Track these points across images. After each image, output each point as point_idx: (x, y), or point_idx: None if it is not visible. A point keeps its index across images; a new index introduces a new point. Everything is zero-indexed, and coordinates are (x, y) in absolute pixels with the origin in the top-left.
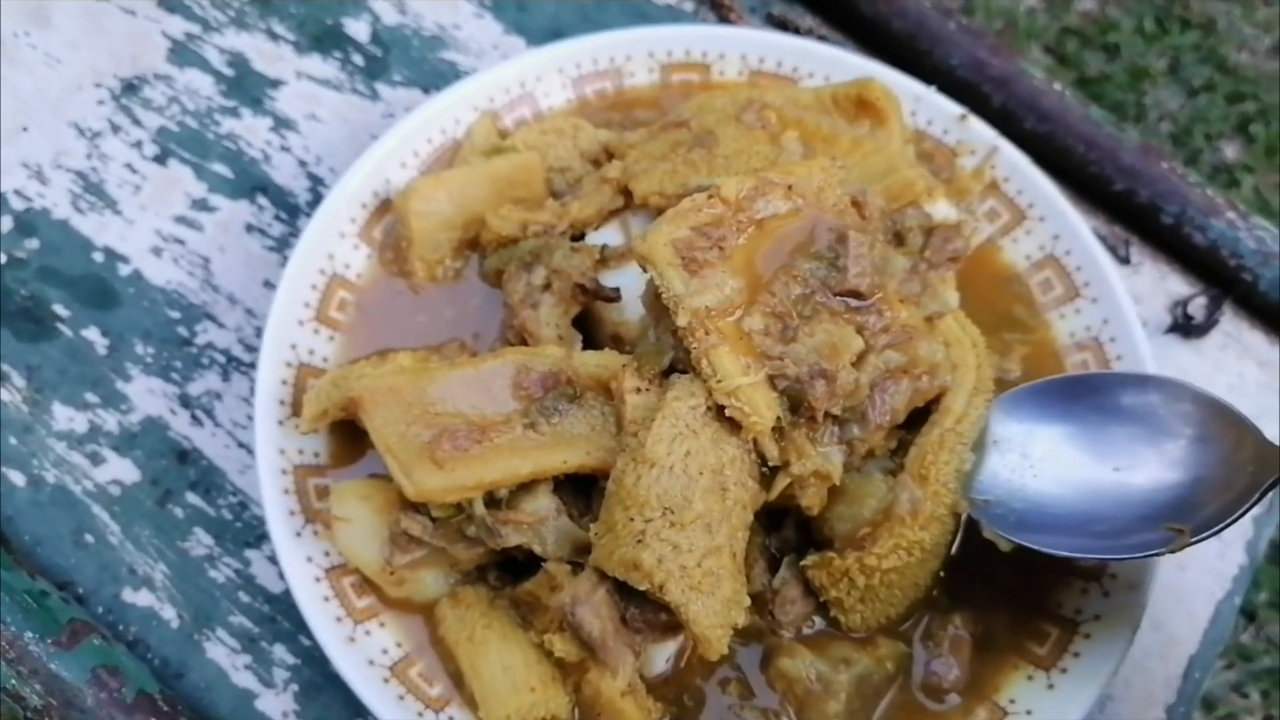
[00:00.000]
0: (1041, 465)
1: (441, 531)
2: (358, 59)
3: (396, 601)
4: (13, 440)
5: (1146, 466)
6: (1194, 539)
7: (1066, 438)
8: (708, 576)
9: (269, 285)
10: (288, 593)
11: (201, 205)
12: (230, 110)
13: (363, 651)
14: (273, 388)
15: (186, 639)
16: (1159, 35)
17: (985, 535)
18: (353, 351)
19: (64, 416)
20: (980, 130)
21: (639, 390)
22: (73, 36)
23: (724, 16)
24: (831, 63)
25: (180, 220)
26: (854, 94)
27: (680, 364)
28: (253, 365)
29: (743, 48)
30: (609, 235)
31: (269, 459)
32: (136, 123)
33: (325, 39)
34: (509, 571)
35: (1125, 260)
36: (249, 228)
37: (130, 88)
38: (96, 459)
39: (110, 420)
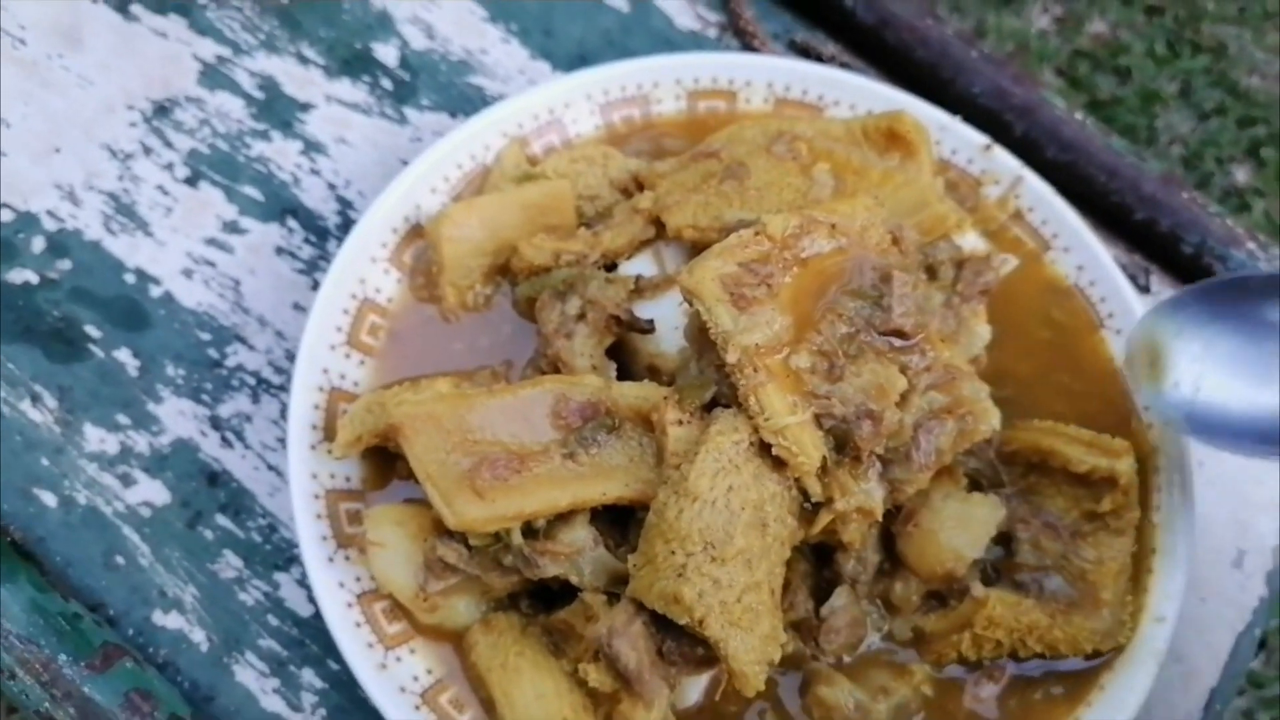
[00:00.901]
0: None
1: (477, 559)
2: (386, 83)
3: (428, 628)
4: (44, 461)
5: None
6: None
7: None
8: (747, 612)
9: (299, 308)
10: (316, 616)
11: (232, 228)
12: (261, 133)
13: (394, 678)
14: (305, 412)
15: (216, 662)
16: (1170, 59)
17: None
18: (384, 376)
19: (95, 438)
20: (1005, 160)
21: (680, 423)
22: (104, 58)
23: (749, 44)
24: (857, 91)
25: (211, 242)
26: (885, 127)
27: (722, 398)
28: (282, 388)
29: (769, 75)
30: (641, 265)
31: (301, 484)
32: (168, 145)
33: (354, 63)
34: (541, 599)
35: (1145, 289)
36: (279, 250)
37: (162, 110)
38: (127, 480)
39: (141, 442)
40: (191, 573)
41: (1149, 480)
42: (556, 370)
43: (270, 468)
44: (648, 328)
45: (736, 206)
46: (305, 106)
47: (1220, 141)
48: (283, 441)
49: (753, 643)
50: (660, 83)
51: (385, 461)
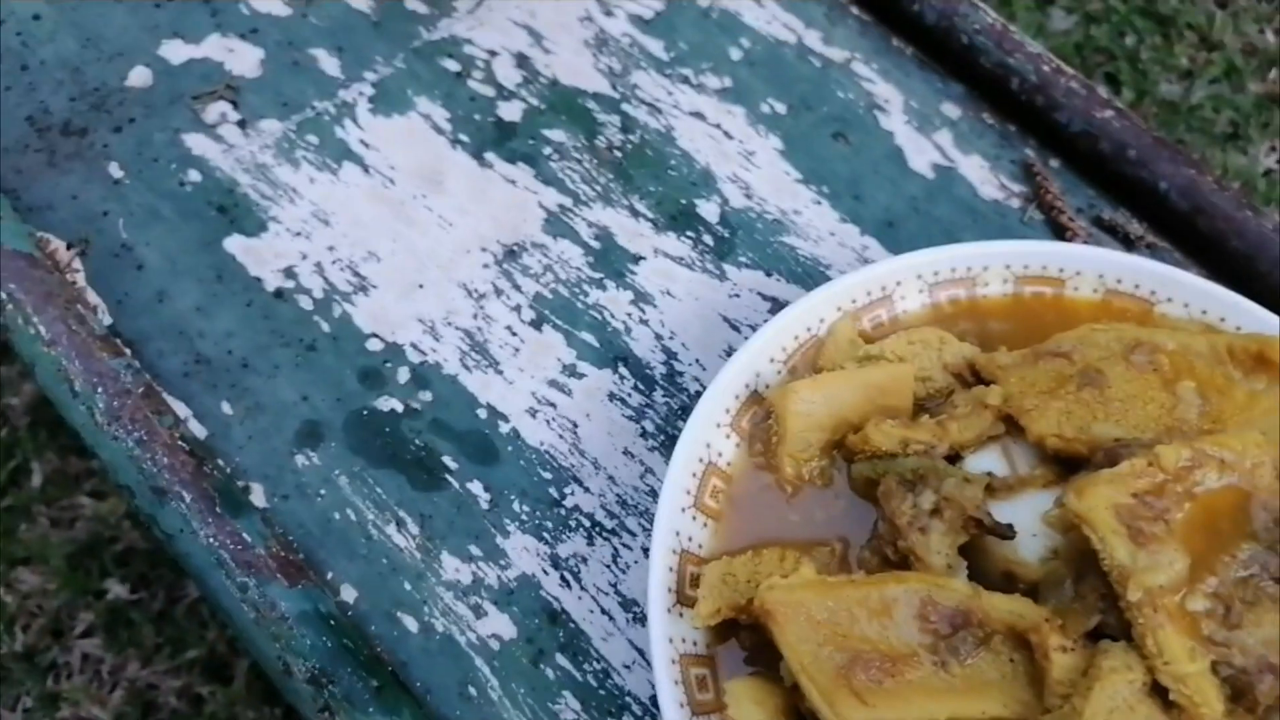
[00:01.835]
0: None
1: None
2: (708, 239)
3: None
4: (407, 586)
5: None
6: None
7: None
8: None
9: (628, 454)
10: None
11: (571, 371)
12: (597, 281)
13: None
14: (661, 576)
15: None
16: None
17: None
18: (725, 541)
19: (451, 566)
20: None
21: (1065, 649)
22: (462, 202)
23: (1054, 219)
24: (1191, 290)
25: (553, 384)
26: (1254, 349)
27: (1107, 628)
28: (614, 532)
29: (1098, 267)
30: (988, 462)
31: (662, 648)
32: (516, 288)
33: (680, 218)
34: None
35: None
36: (611, 396)
37: (511, 253)
38: (479, 612)
39: (491, 574)
40: (536, 711)
41: None
42: (905, 561)
43: (604, 611)
44: (1009, 534)
45: (1101, 419)
46: (636, 258)
47: None
48: (615, 587)
49: None
50: (990, 266)
51: (726, 626)
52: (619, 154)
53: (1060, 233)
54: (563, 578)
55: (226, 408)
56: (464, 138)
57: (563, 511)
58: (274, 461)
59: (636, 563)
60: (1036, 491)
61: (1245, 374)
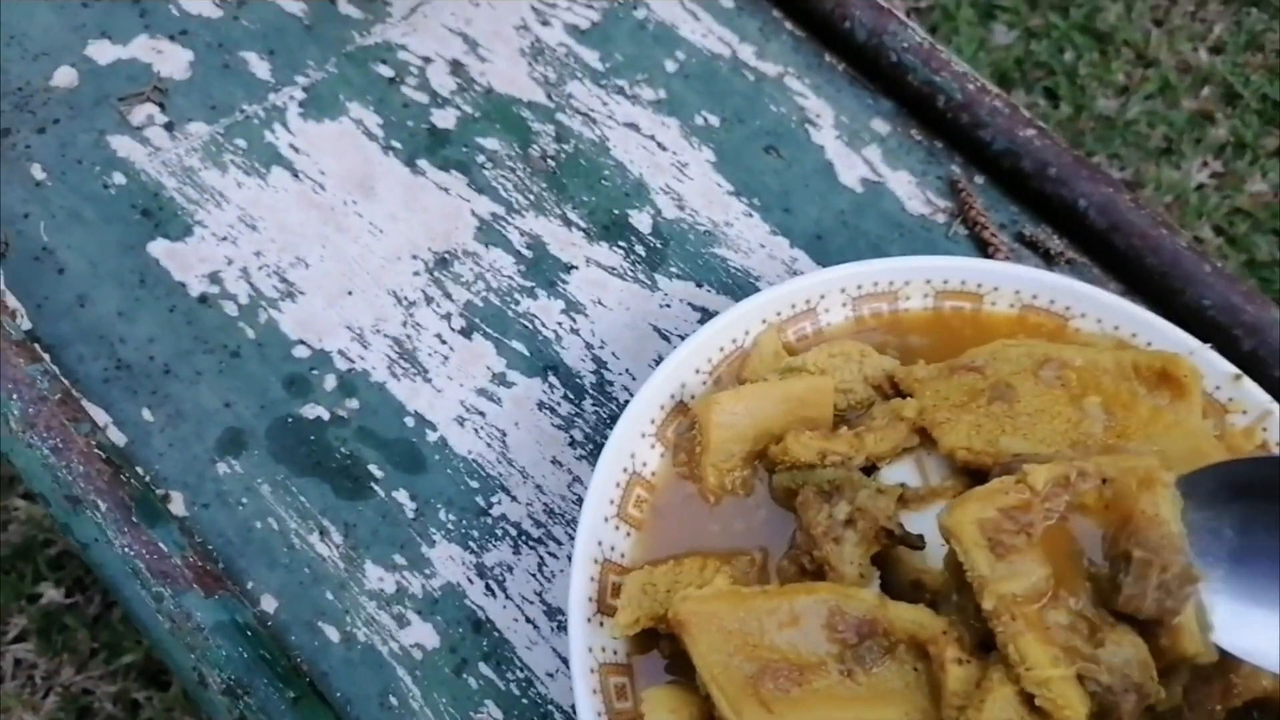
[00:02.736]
0: None
1: None
2: (640, 249)
3: None
4: (329, 595)
5: None
6: None
7: None
8: None
9: (556, 463)
10: None
11: (500, 380)
12: (528, 290)
13: None
14: (582, 585)
15: None
16: None
17: None
18: (647, 550)
19: (375, 576)
20: (1254, 392)
21: (960, 662)
22: (393, 209)
23: (978, 235)
24: (1104, 307)
25: (482, 393)
26: (1158, 366)
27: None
28: (540, 541)
29: (1015, 284)
30: (903, 473)
31: (581, 659)
32: (447, 295)
33: (612, 228)
34: None
35: None
36: (540, 405)
37: (442, 261)
38: (402, 621)
39: (415, 583)
40: None
41: None
42: (820, 570)
43: (528, 620)
44: (918, 544)
45: (1009, 432)
46: (568, 267)
47: None
48: (540, 596)
49: None
50: (911, 281)
51: (646, 635)
52: (553, 163)
53: (983, 248)
54: (488, 586)
55: (147, 414)
56: (396, 144)
57: (489, 520)
58: (195, 469)
59: (562, 571)
60: (947, 502)
61: (1150, 390)
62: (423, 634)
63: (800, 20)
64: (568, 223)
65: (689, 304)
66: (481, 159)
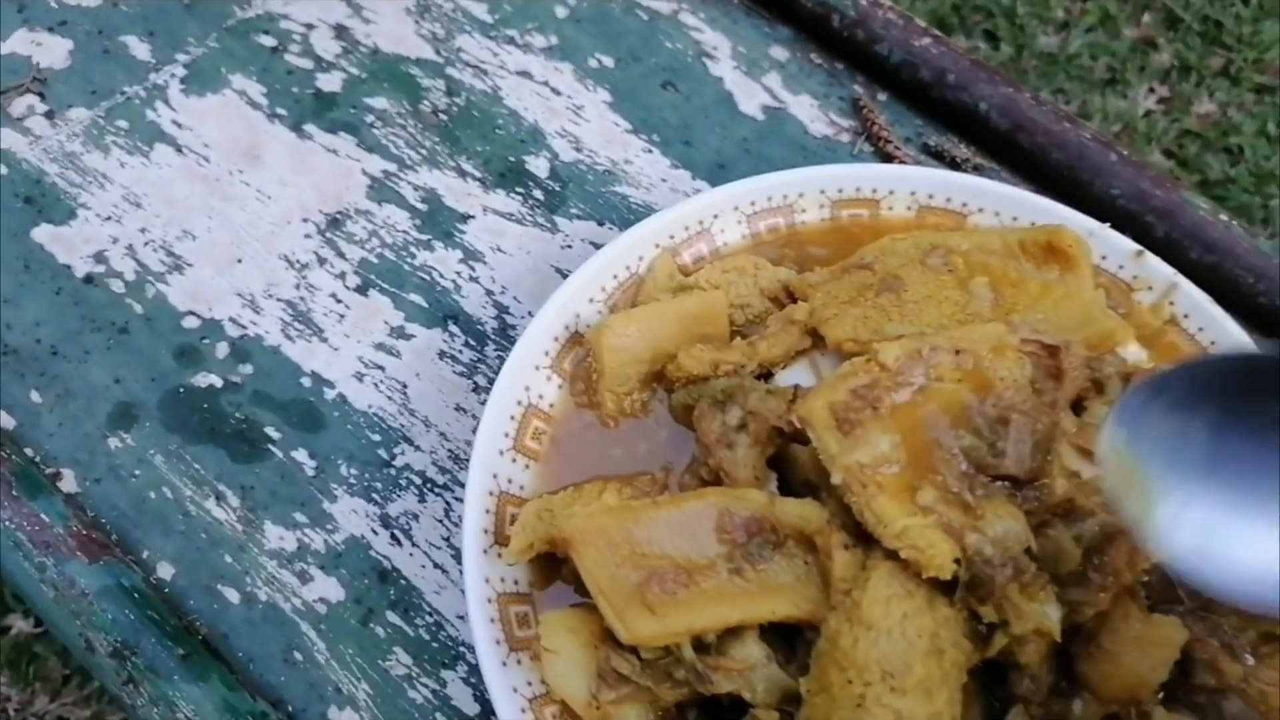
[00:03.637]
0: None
1: (649, 671)
2: (538, 194)
3: None
4: (228, 558)
5: None
6: None
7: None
8: None
9: (460, 409)
10: (482, 715)
11: (399, 333)
12: (424, 243)
13: None
14: (477, 517)
15: None
16: None
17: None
18: (548, 481)
19: (275, 535)
20: (1157, 266)
21: (846, 547)
22: (281, 174)
23: (882, 150)
24: (1001, 198)
25: (380, 347)
26: (1043, 240)
27: None
28: (446, 487)
29: (911, 185)
30: (798, 375)
31: (476, 588)
32: (340, 255)
33: (509, 175)
34: (710, 711)
35: None
36: (441, 355)
37: (334, 222)
38: (305, 577)
39: (317, 540)
40: (364, 670)
41: None
42: (718, 479)
43: (436, 565)
44: (809, 440)
45: (896, 320)
46: (465, 217)
47: None
48: (448, 540)
49: None
50: (805, 193)
51: (550, 563)
52: (444, 117)
53: (888, 162)
54: (393, 536)
55: (35, 396)
56: (281, 111)
57: (393, 471)
58: (86, 446)
59: None
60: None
61: (1038, 266)
62: (326, 588)
63: None
64: (462, 174)
65: (591, 243)
66: (370, 119)
